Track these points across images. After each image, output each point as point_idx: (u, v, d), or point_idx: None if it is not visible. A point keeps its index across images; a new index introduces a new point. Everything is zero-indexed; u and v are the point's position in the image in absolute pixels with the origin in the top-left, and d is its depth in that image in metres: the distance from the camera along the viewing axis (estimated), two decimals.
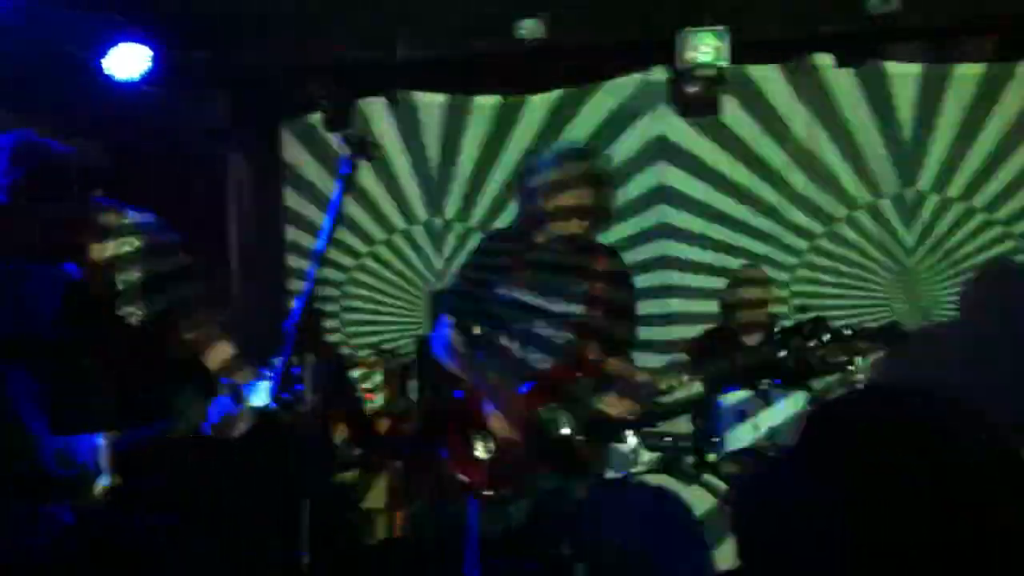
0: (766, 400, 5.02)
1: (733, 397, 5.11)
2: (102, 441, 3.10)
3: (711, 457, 5.22)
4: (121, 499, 3.11)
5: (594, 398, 3.87)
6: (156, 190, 6.45)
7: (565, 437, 3.84)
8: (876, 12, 5.73)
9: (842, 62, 6.53)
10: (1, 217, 3.19)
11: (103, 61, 5.52)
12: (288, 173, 7.27)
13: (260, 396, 3.03)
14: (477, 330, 4.00)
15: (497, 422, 3.82)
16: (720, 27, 5.94)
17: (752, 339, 5.74)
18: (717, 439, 5.12)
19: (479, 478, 3.85)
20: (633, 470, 5.10)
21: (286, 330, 3.06)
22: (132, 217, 3.43)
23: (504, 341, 3.94)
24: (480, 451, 3.82)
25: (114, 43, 5.51)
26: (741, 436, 5.03)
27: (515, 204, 4.01)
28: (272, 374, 2.96)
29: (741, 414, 5.04)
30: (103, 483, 3.09)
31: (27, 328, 3.31)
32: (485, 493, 3.84)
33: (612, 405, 3.85)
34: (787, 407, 5.06)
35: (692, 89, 6.19)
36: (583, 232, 3.90)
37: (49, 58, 5.49)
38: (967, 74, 6.43)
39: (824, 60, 6.57)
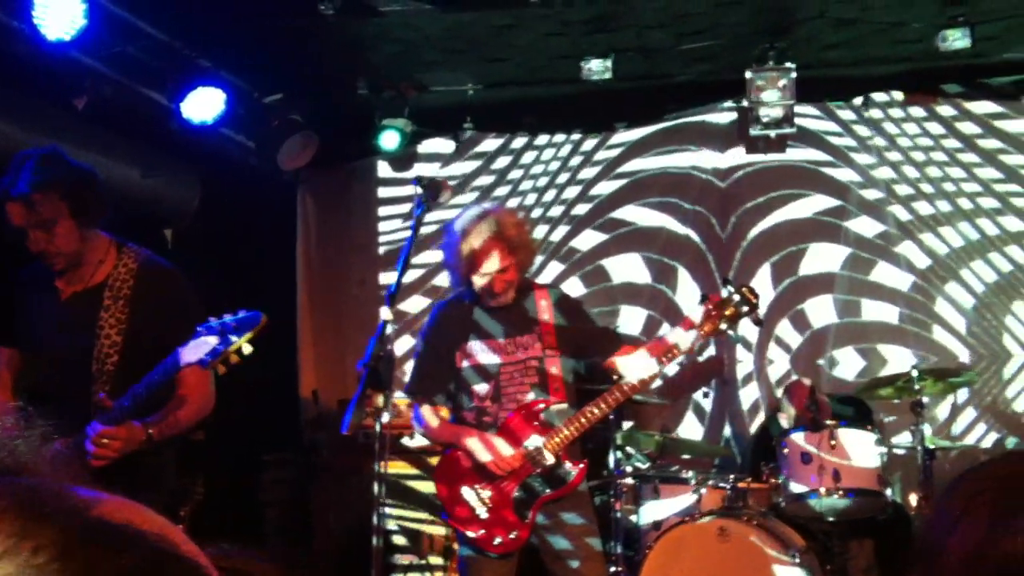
0: (831, 441, 4.98)
1: (797, 438, 5.08)
2: None
3: (775, 498, 5.19)
4: None
5: (563, 421, 4.00)
6: (232, 224, 6.68)
7: (552, 463, 3.98)
8: (948, 49, 5.71)
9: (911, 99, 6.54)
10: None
11: (182, 104, 5.70)
12: (356, 211, 7.40)
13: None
14: (442, 406, 4.21)
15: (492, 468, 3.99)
16: (788, 66, 5.97)
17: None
18: (782, 481, 5.08)
19: (483, 534, 4.01)
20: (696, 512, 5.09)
21: (359, 368, 3.14)
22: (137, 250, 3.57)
23: (475, 402, 4.11)
24: (480, 509, 4.01)
25: (192, 87, 5.69)
26: (805, 478, 4.99)
27: (449, 274, 4.22)
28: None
29: (806, 456, 4.99)
30: None
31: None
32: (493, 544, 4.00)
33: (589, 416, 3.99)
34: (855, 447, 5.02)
35: (759, 128, 6.22)
36: (511, 281, 4.08)
37: (134, 102, 5.69)
38: None
39: (894, 97, 6.56)
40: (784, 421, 5.76)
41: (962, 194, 6.49)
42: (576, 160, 7.03)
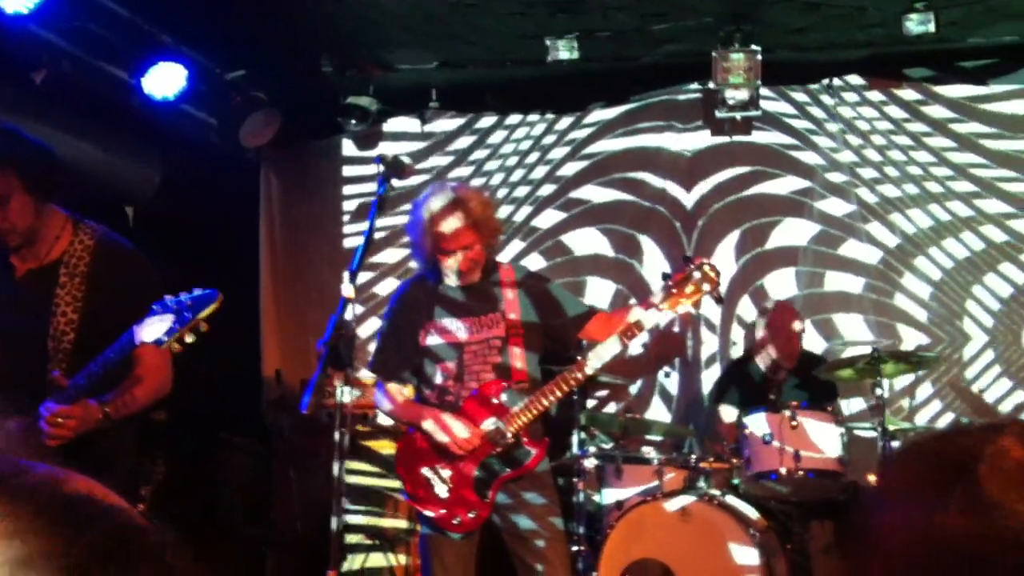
0: (792, 422, 5.02)
1: (758, 419, 5.11)
2: None
3: (736, 479, 5.23)
4: None
5: (523, 402, 3.99)
6: (194, 203, 6.61)
7: (512, 442, 3.97)
8: (913, 34, 5.74)
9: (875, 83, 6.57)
10: None
11: (143, 80, 5.63)
12: (320, 189, 7.35)
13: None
14: (405, 385, 4.20)
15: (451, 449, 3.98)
16: (753, 48, 5.98)
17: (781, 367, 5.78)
18: (742, 461, 5.12)
19: (443, 514, 4.01)
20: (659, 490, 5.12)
21: (319, 348, 3.12)
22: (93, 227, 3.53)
23: (437, 380, 4.10)
24: (440, 488, 4.00)
25: (153, 62, 5.62)
26: (766, 460, 5.03)
27: (414, 252, 4.20)
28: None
29: (767, 438, 5.03)
30: None
31: None
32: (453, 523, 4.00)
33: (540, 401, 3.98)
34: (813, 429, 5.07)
35: (725, 110, 6.23)
36: (476, 260, 4.07)
37: (93, 77, 5.61)
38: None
39: (856, 82, 6.59)
40: (761, 362, 5.78)
41: (929, 177, 6.54)
42: (543, 141, 7.00)
